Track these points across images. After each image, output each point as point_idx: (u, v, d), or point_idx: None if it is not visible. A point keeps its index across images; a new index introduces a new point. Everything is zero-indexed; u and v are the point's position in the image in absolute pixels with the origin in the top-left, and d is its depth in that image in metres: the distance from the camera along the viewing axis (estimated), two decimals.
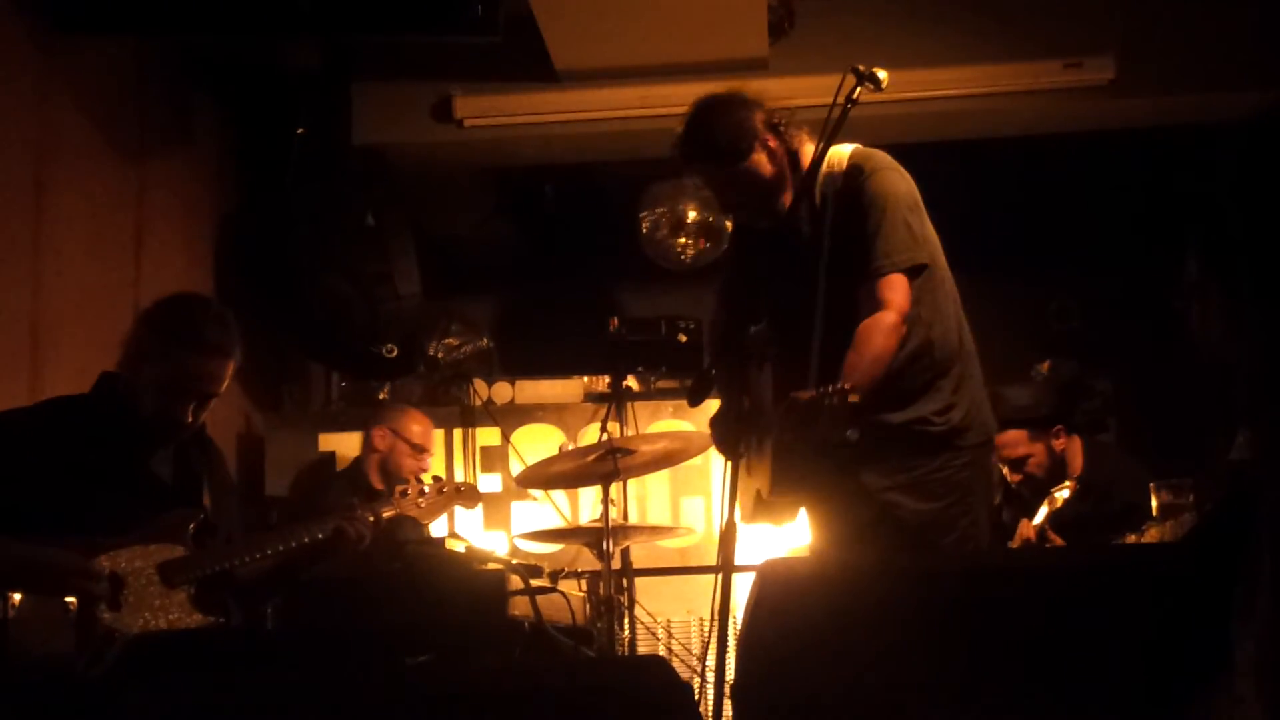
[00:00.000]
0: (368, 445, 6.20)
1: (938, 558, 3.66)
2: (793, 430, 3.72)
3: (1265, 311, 2.07)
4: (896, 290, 3.90)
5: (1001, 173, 7.57)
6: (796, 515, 4.10)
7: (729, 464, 3.64)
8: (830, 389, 3.56)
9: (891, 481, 3.99)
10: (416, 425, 6.20)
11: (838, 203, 4.02)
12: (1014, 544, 5.73)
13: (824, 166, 4.06)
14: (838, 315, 3.93)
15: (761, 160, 4.06)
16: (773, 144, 4.08)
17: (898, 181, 4.03)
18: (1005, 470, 5.92)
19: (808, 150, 4.10)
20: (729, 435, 3.89)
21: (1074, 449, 6.06)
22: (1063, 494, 5.72)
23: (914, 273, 3.94)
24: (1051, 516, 5.70)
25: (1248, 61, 6.54)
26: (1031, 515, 5.81)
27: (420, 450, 6.14)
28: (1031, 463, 6.00)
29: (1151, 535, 5.10)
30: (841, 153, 4.09)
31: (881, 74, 3.90)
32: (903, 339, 3.94)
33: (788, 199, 4.08)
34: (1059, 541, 5.65)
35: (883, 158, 4.09)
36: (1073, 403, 6.26)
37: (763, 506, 4.01)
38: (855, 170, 4.04)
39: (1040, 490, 5.93)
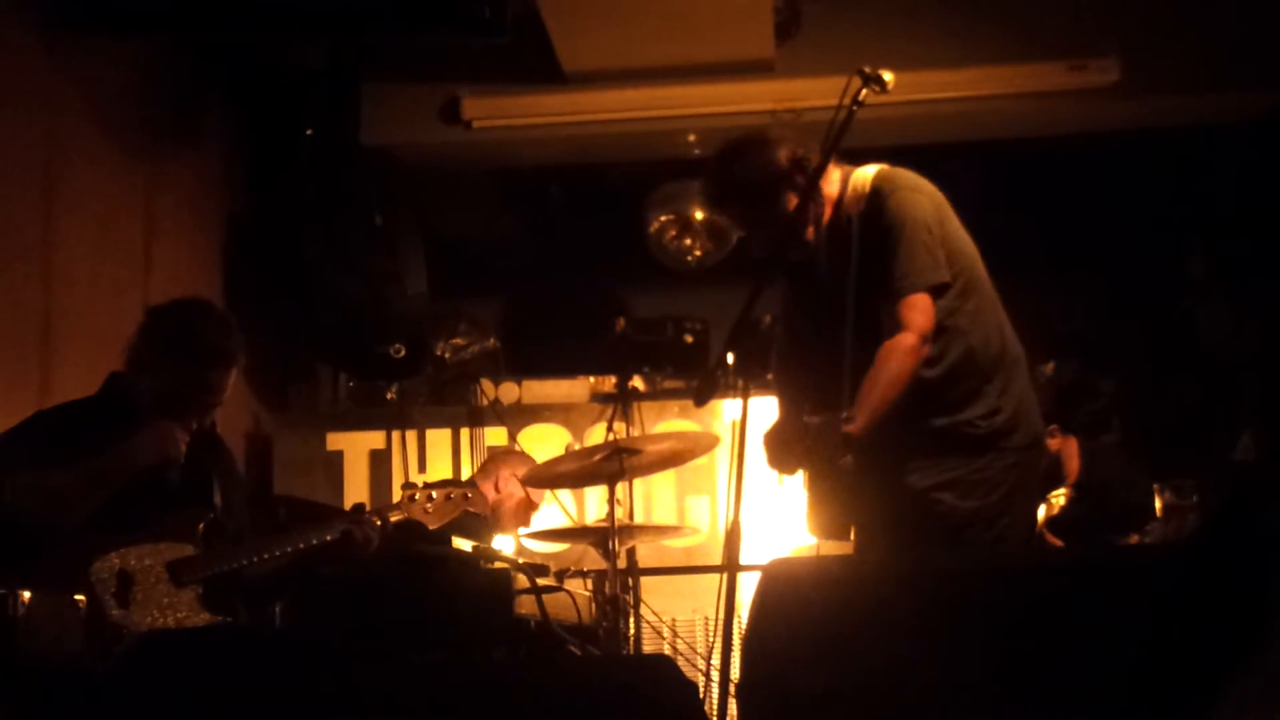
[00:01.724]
0: (489, 481, 6.09)
1: (942, 558, 3.67)
2: (799, 454, 3.88)
3: (1270, 311, 2.09)
4: (917, 310, 3.93)
5: (1006, 174, 7.57)
6: (849, 532, 4.12)
7: (735, 464, 3.65)
8: (831, 417, 3.69)
9: (934, 481, 4.01)
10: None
11: (862, 225, 4.05)
12: None
13: (849, 190, 4.10)
14: (868, 337, 3.97)
15: (789, 198, 4.08)
16: (799, 180, 4.10)
17: (918, 201, 4.05)
18: None
19: (833, 178, 4.13)
20: (785, 452, 3.97)
21: (1070, 450, 6.06)
22: (1059, 499, 5.72)
23: (937, 291, 3.97)
24: (1049, 520, 5.71)
25: (1251, 63, 6.55)
26: None
27: (532, 507, 6.09)
28: None
29: (1155, 536, 5.12)
30: (865, 175, 4.12)
31: (887, 76, 3.91)
32: (942, 352, 3.99)
33: (813, 230, 4.12)
34: (1058, 544, 5.66)
35: (904, 178, 4.10)
36: (1070, 404, 6.26)
37: (815, 522, 4.07)
38: (876, 193, 4.06)
39: (1046, 485, 5.94)
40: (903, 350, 3.88)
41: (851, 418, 3.73)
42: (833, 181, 4.13)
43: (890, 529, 4.04)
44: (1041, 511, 5.77)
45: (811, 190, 4.06)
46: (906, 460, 4.00)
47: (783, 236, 4.09)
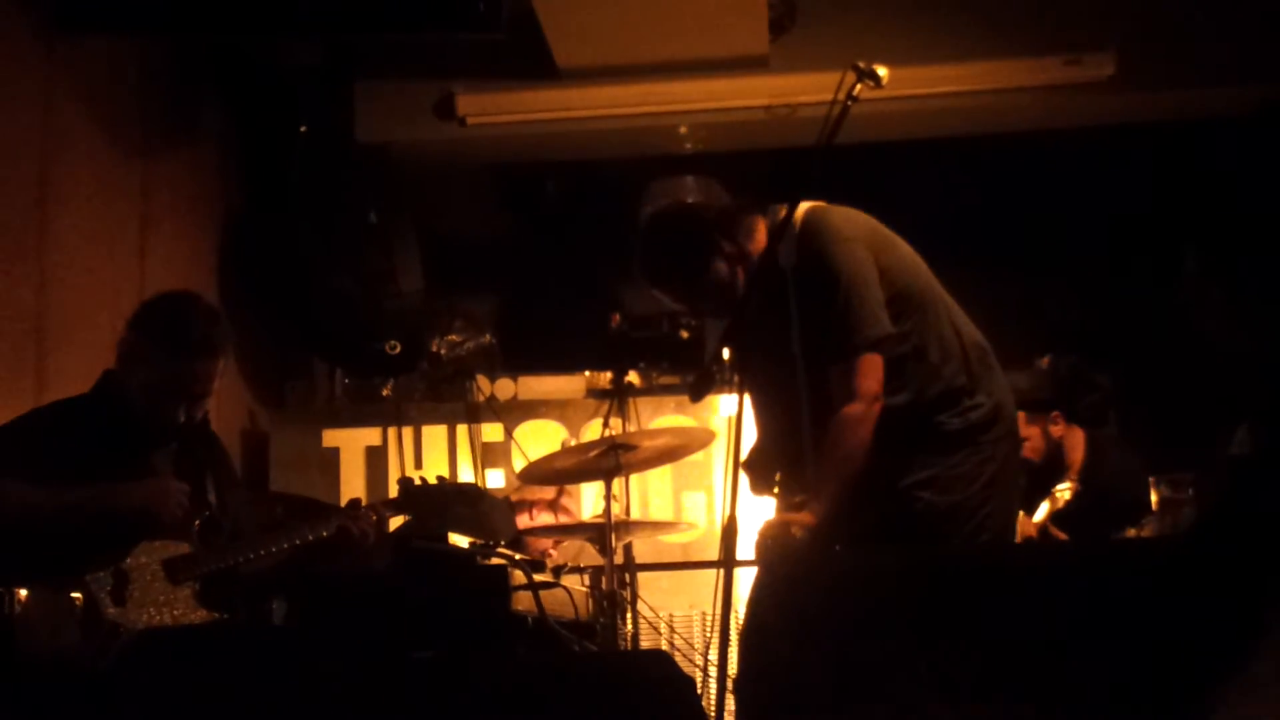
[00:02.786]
0: (524, 513, 6.10)
1: (940, 554, 3.67)
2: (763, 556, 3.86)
3: (1264, 306, 2.08)
4: (865, 374, 3.93)
5: (1002, 168, 7.58)
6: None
7: (731, 459, 3.65)
8: (781, 527, 3.75)
9: (914, 478, 4.01)
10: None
11: (795, 278, 4.04)
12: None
13: (780, 237, 4.05)
14: (819, 387, 3.99)
15: (720, 268, 4.10)
16: (729, 249, 4.10)
17: (851, 252, 4.01)
18: None
19: (761, 239, 4.12)
20: (764, 476, 3.98)
21: (1074, 439, 6.04)
22: (1064, 493, 5.70)
23: (879, 345, 3.96)
24: (1054, 514, 5.69)
25: (1247, 57, 6.55)
26: (1030, 510, 5.80)
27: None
28: (1027, 446, 5.97)
29: (1151, 529, 5.11)
30: (797, 214, 4.07)
31: (882, 71, 3.90)
32: (906, 380, 4.00)
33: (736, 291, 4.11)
34: (1062, 537, 5.64)
35: (832, 225, 4.06)
36: (1072, 395, 6.24)
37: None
38: (805, 245, 4.03)
39: (1037, 477, 5.92)
40: (853, 422, 3.89)
41: (810, 517, 3.78)
42: (758, 233, 4.13)
43: (871, 529, 4.04)
44: (1045, 507, 5.75)
45: (741, 257, 4.08)
46: (883, 460, 3.99)
47: (720, 303, 4.11)
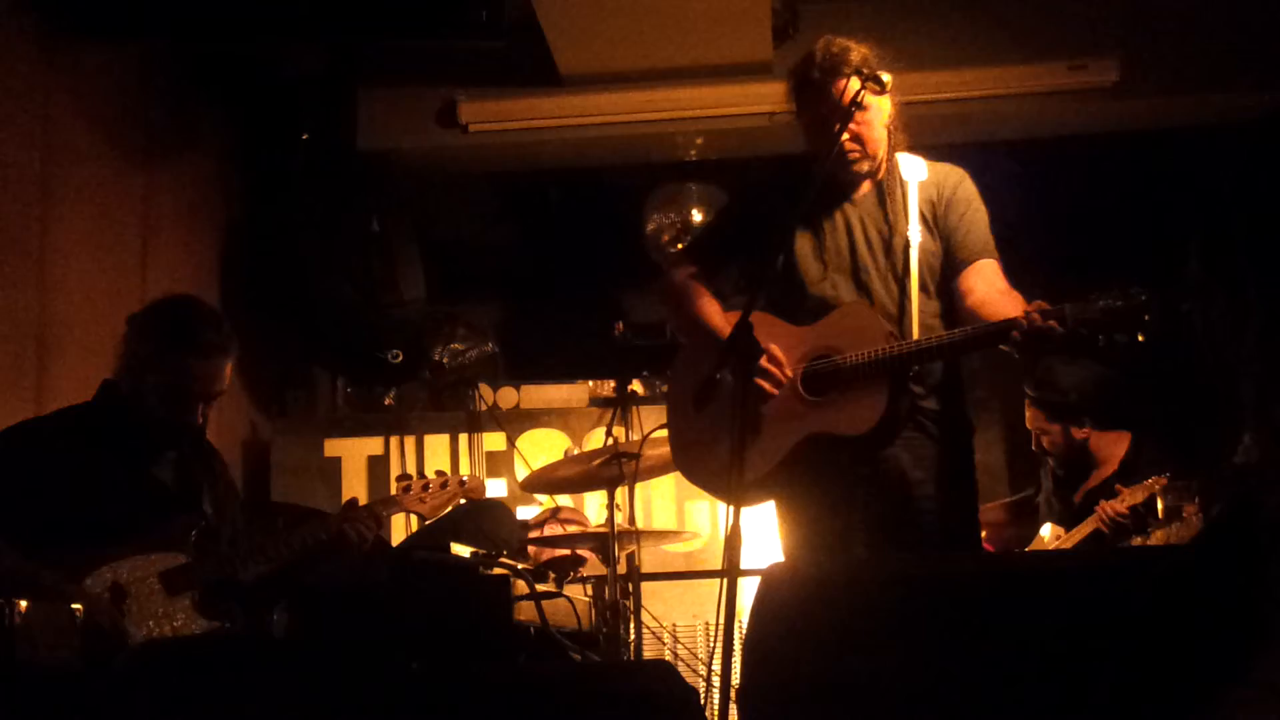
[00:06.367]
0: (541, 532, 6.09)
1: (942, 562, 3.65)
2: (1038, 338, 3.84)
3: (1267, 312, 2.07)
4: (1003, 276, 4.06)
5: (1004, 174, 7.56)
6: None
7: (734, 468, 3.62)
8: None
9: (921, 475, 3.99)
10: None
11: (923, 191, 4.10)
12: (1060, 543, 5.66)
13: (896, 163, 4.14)
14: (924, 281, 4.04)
15: (886, 106, 4.06)
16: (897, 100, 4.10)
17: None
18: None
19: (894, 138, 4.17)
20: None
21: (1107, 442, 5.94)
22: (1154, 486, 5.57)
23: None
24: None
25: (1251, 64, 6.54)
26: (1073, 524, 5.72)
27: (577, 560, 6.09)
28: (1045, 439, 5.94)
29: (1157, 538, 5.09)
30: (919, 156, 4.18)
31: (885, 77, 3.91)
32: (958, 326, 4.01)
33: (878, 157, 4.12)
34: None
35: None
36: (1116, 399, 6.15)
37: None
38: (943, 169, 4.16)
39: (1065, 479, 5.88)
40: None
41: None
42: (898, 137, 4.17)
43: (879, 528, 4.01)
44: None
45: (897, 120, 4.11)
46: (897, 457, 3.97)
47: (860, 148, 4.06)
